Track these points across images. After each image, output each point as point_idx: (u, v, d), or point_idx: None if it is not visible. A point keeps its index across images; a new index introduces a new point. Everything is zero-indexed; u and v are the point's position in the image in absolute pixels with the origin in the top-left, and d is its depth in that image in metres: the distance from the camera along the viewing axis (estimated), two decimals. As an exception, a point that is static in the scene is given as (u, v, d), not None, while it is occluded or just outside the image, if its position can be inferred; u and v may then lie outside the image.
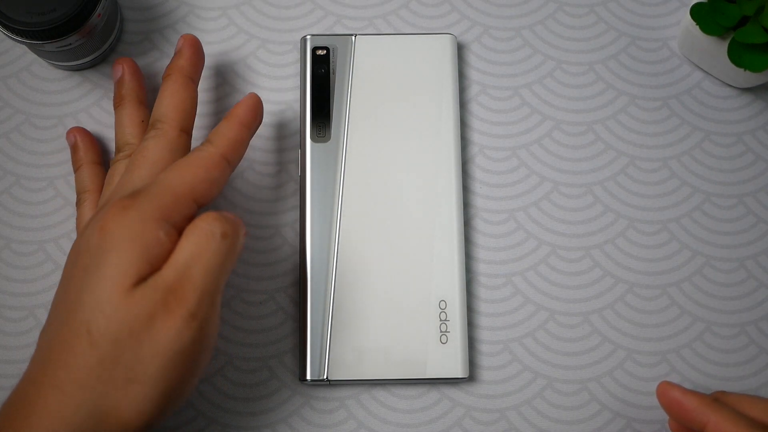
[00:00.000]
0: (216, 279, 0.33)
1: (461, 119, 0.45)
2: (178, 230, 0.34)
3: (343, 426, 0.42)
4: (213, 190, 0.35)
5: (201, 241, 0.33)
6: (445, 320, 0.41)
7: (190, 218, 0.34)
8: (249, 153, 0.45)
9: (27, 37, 0.40)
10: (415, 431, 0.42)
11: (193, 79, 0.41)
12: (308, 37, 0.45)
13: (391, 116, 0.44)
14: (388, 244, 0.42)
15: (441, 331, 0.41)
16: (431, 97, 0.44)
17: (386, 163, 0.43)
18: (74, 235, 0.44)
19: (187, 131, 0.39)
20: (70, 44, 0.42)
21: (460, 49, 0.47)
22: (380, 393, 0.42)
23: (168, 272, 0.32)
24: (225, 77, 0.46)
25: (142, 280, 0.32)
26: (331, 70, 0.44)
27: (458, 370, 0.41)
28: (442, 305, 0.42)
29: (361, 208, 0.43)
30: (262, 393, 0.42)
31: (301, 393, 0.42)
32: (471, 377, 0.42)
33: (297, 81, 0.46)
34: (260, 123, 0.40)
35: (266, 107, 0.46)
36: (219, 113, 0.46)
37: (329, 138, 0.44)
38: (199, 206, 0.35)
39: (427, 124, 0.44)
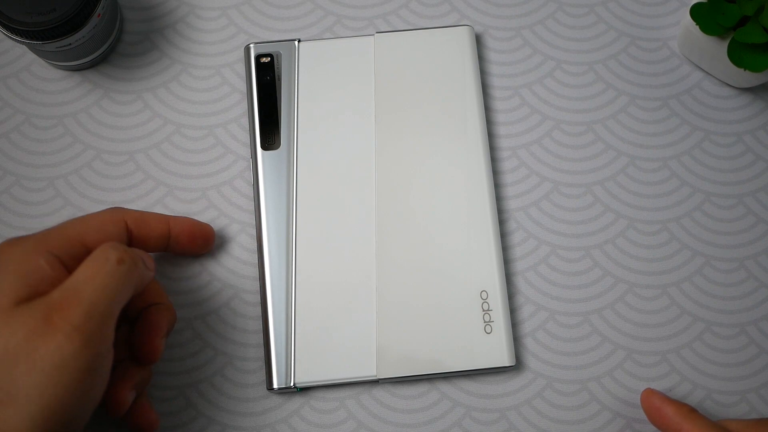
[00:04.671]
0: (108, 300, 0.33)
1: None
2: (65, 264, 0.34)
3: (343, 426, 0.42)
4: (105, 240, 0.36)
5: (95, 265, 0.34)
6: (488, 310, 0.41)
7: (79, 258, 0.35)
8: (249, 153, 0.45)
9: (27, 37, 0.40)
10: (415, 431, 0.42)
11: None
12: (251, 45, 0.45)
13: (409, 112, 0.44)
14: (414, 240, 0.42)
15: (485, 321, 0.41)
16: (454, 89, 0.45)
17: (404, 159, 0.43)
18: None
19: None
20: (70, 44, 0.42)
21: (460, 49, 0.47)
22: (380, 393, 0.42)
23: (55, 293, 0.33)
24: (225, 77, 0.46)
25: (22, 302, 0.32)
26: (276, 77, 0.44)
27: (505, 359, 0.41)
28: (484, 295, 0.42)
29: (376, 207, 0.43)
30: (262, 393, 0.42)
31: (301, 393, 0.42)
32: (470, 376, 0.42)
33: (297, 81, 0.46)
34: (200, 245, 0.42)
35: (266, 107, 0.46)
36: (219, 113, 0.46)
37: (279, 145, 0.43)
38: (90, 251, 0.35)
39: (452, 117, 0.44)
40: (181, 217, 0.42)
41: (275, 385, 0.40)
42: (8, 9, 0.40)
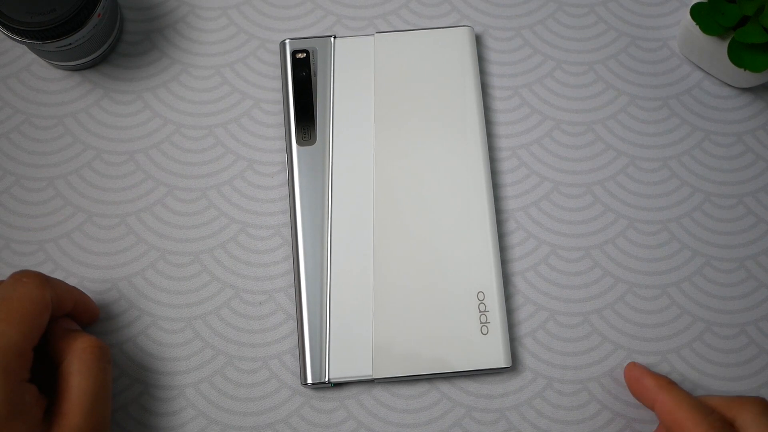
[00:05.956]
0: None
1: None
2: (28, 377, 0.35)
3: (343, 426, 0.42)
4: (41, 333, 0.36)
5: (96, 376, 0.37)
6: (485, 311, 0.42)
7: (30, 364, 0.35)
8: (249, 153, 0.45)
9: (27, 37, 0.40)
10: (415, 431, 0.42)
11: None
12: (287, 41, 0.45)
13: (408, 112, 0.44)
14: (412, 240, 0.42)
15: (481, 323, 0.41)
16: (454, 90, 0.45)
17: (403, 159, 0.43)
18: (74, 236, 0.44)
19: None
20: (70, 44, 0.42)
21: (460, 49, 0.47)
22: (380, 393, 0.42)
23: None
24: (225, 77, 0.46)
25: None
26: (312, 73, 0.44)
27: (501, 360, 0.41)
28: (480, 296, 0.42)
29: (374, 206, 0.43)
30: (262, 393, 0.42)
31: (301, 393, 0.42)
32: (471, 376, 0.42)
33: (297, 81, 0.46)
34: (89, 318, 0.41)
35: (266, 107, 0.46)
36: (219, 113, 0.46)
37: (315, 140, 0.44)
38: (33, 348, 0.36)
39: (452, 117, 0.44)
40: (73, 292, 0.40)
41: (309, 381, 0.41)
42: (8, 9, 0.40)
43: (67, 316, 0.39)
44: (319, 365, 0.41)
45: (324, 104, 0.44)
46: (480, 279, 0.42)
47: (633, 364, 0.42)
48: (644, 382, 0.40)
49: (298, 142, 0.43)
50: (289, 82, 0.44)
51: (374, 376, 0.41)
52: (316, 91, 0.44)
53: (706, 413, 0.37)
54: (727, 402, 0.38)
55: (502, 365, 0.41)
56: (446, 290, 0.42)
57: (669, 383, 0.39)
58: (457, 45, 0.45)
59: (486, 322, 0.41)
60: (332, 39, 0.45)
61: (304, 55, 0.45)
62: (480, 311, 0.42)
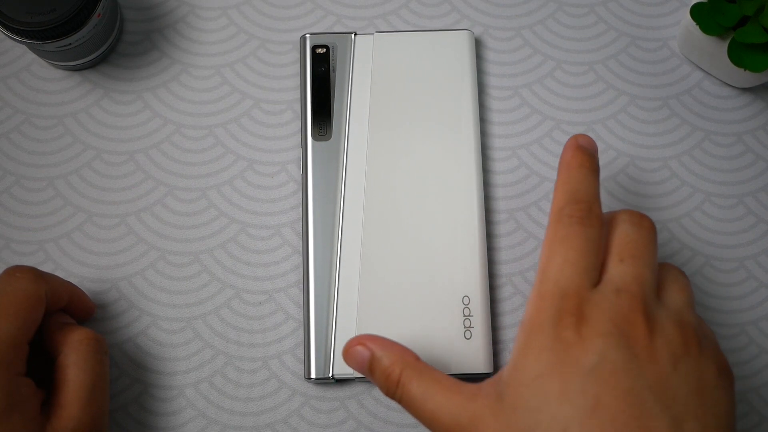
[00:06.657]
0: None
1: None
2: (24, 371, 0.35)
3: (343, 426, 0.42)
4: (37, 327, 0.36)
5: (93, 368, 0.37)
6: (469, 316, 0.41)
7: (26, 357, 0.35)
8: (249, 153, 0.45)
9: (27, 37, 0.40)
10: (415, 431, 0.42)
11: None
12: (308, 35, 0.45)
13: (403, 113, 0.44)
14: (400, 241, 0.42)
15: (465, 327, 0.41)
16: (450, 93, 0.44)
17: (396, 160, 0.44)
18: (74, 236, 0.44)
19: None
20: (70, 44, 0.42)
21: (460, 49, 0.47)
22: (380, 393, 0.42)
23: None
24: (225, 77, 0.46)
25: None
26: (331, 69, 0.45)
27: (481, 366, 0.41)
28: (465, 301, 0.42)
29: (364, 205, 0.43)
30: (262, 393, 0.42)
31: (301, 393, 0.42)
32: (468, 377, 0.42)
33: (297, 81, 0.46)
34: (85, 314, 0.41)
35: (266, 107, 0.46)
36: (218, 113, 0.46)
37: (330, 136, 0.44)
38: (29, 342, 0.36)
39: (446, 121, 0.44)
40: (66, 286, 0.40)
41: (313, 375, 0.41)
42: (8, 9, 0.40)
43: (62, 311, 0.39)
44: (323, 360, 0.41)
45: (341, 100, 0.44)
46: (465, 283, 0.42)
47: (576, 136, 0.35)
48: (562, 155, 0.35)
49: (314, 137, 0.44)
50: (308, 77, 0.44)
51: (355, 375, 0.41)
52: (334, 87, 0.44)
53: (574, 202, 0.32)
54: (612, 212, 0.35)
55: (483, 371, 0.41)
56: (432, 293, 0.42)
57: (580, 166, 0.34)
58: (457, 48, 0.45)
59: (470, 327, 0.41)
60: (353, 36, 0.45)
61: (324, 50, 0.45)
62: (464, 315, 0.42)
